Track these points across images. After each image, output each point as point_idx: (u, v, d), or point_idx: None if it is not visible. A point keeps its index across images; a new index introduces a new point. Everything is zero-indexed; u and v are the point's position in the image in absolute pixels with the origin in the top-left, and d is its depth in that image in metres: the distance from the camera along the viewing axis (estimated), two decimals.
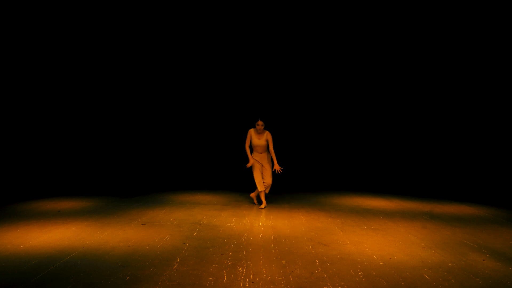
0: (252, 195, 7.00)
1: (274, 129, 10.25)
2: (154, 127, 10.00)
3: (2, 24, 8.39)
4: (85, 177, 9.27)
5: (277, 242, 4.57)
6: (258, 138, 6.70)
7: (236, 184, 8.94)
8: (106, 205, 6.73)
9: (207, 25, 9.72)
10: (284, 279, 3.44)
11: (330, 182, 9.50)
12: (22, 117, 8.89)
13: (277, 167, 6.50)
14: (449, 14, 9.18)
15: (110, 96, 9.74)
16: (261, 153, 6.74)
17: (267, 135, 6.71)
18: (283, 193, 8.19)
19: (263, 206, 6.64)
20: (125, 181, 9.12)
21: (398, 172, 9.74)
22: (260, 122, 6.67)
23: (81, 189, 8.40)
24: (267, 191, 6.81)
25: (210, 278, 3.44)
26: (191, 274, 3.54)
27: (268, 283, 3.35)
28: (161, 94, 10.00)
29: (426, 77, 9.73)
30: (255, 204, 6.96)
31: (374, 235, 4.95)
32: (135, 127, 9.91)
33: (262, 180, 6.68)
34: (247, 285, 3.31)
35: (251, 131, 6.79)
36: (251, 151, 6.83)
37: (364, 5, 9.50)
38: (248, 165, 6.69)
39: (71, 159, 9.45)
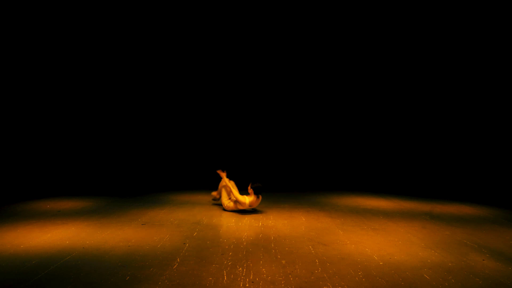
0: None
1: (274, 129, 10.28)
2: (154, 127, 10.01)
3: (2, 24, 8.39)
4: (85, 177, 9.27)
5: (277, 242, 4.56)
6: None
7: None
8: (106, 205, 6.73)
9: (206, 25, 9.73)
10: (284, 279, 3.44)
11: (330, 182, 9.50)
12: (22, 117, 8.89)
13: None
14: (449, 14, 9.18)
15: (110, 96, 9.75)
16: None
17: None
18: (283, 193, 8.19)
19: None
20: (125, 181, 9.12)
21: (398, 172, 9.75)
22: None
23: (81, 189, 8.40)
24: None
25: (210, 278, 3.44)
26: (191, 274, 3.53)
27: (268, 283, 3.35)
28: (161, 94, 10.01)
29: (426, 77, 9.74)
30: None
31: (374, 235, 4.94)
32: (135, 127, 9.91)
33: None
34: (247, 285, 3.31)
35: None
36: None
37: (364, 6, 9.51)
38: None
39: (71, 159, 9.46)
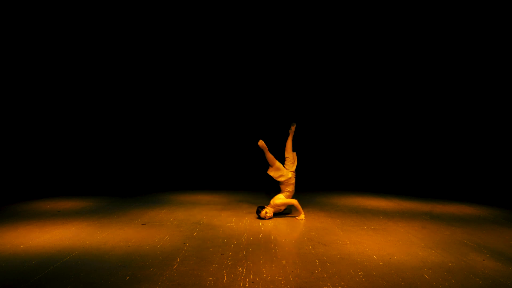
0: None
1: (274, 129, 10.24)
2: (154, 127, 10.00)
3: (2, 24, 8.38)
4: (85, 177, 9.27)
5: (277, 242, 4.56)
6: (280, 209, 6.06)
7: (236, 184, 8.94)
8: (106, 205, 6.73)
9: (207, 25, 9.72)
10: (284, 279, 3.44)
11: (330, 182, 9.50)
12: (22, 117, 8.89)
13: (300, 217, 5.89)
14: (449, 14, 9.17)
15: (110, 96, 9.74)
16: None
17: (276, 204, 5.97)
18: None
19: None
20: (125, 181, 9.12)
21: (398, 172, 9.74)
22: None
23: (81, 189, 8.40)
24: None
25: (210, 278, 3.44)
26: (191, 274, 3.54)
27: (268, 283, 3.35)
28: (161, 94, 10.01)
29: (426, 77, 9.74)
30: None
31: (374, 235, 4.95)
32: (135, 127, 9.91)
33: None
34: (247, 285, 3.31)
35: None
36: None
37: (364, 6, 9.51)
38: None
39: (71, 159, 9.46)
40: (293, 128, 6.30)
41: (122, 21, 9.43)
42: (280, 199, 5.95)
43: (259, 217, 5.79)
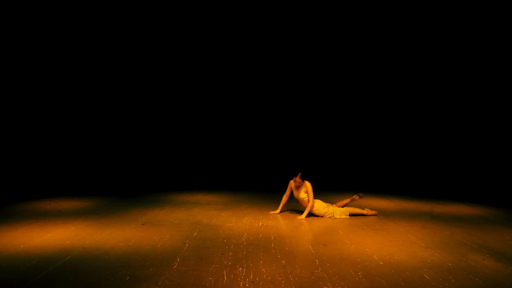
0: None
1: (275, 129, 10.28)
2: (154, 127, 10.01)
3: (2, 24, 8.38)
4: (85, 177, 9.27)
5: (277, 242, 4.56)
6: (297, 191, 6.07)
7: (236, 184, 8.94)
8: (106, 205, 6.73)
9: (206, 25, 9.73)
10: (284, 279, 3.44)
11: (330, 182, 9.50)
12: (22, 117, 8.89)
13: (301, 217, 5.89)
14: (449, 14, 9.18)
15: (110, 96, 9.75)
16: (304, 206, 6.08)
17: (306, 187, 5.99)
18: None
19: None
20: (125, 181, 9.12)
21: (398, 172, 9.75)
22: (296, 179, 6.00)
23: (81, 189, 8.40)
24: None
25: (210, 278, 3.44)
26: (191, 274, 3.53)
27: (268, 283, 3.35)
28: (161, 94, 10.01)
29: (426, 77, 9.74)
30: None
31: (374, 235, 4.94)
32: (135, 127, 9.91)
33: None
34: (247, 285, 3.31)
35: (291, 183, 6.15)
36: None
37: (364, 6, 9.51)
38: (271, 212, 6.24)
39: (71, 159, 9.46)
40: (357, 197, 6.30)
41: (122, 21, 9.43)
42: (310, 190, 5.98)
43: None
